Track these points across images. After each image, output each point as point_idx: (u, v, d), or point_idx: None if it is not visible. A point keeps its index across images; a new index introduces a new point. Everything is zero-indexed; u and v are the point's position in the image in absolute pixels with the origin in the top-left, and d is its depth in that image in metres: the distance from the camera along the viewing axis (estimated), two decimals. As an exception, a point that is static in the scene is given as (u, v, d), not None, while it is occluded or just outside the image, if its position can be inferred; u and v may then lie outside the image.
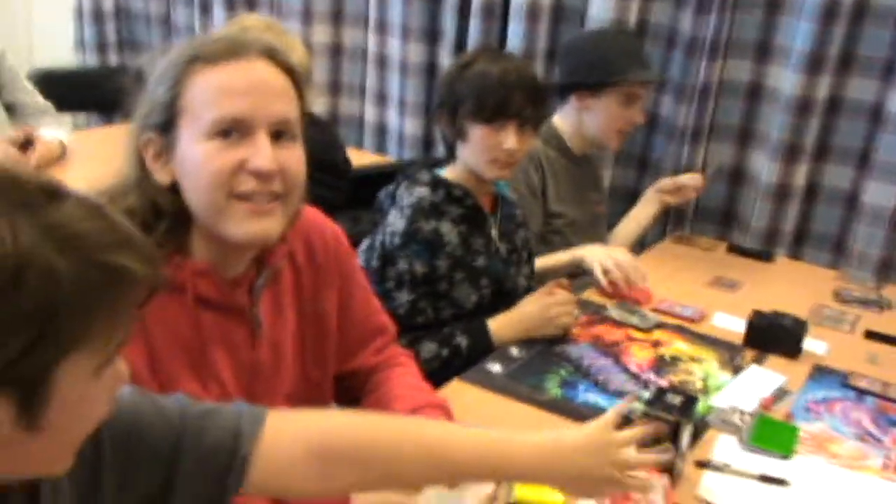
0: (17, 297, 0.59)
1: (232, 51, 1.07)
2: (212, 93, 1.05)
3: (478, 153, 1.77)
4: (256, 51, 1.08)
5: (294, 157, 1.10)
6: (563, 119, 2.30)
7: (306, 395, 1.29)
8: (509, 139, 1.74)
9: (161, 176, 1.09)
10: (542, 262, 2.09)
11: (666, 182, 2.49)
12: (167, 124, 1.07)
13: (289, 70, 1.11)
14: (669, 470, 1.28)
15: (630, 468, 1.06)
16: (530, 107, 1.75)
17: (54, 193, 0.64)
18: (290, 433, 0.91)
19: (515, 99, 1.72)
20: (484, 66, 1.75)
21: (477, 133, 1.75)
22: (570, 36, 2.41)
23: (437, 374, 1.65)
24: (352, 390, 1.40)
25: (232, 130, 1.05)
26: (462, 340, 1.74)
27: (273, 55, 1.10)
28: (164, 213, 1.09)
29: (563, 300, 1.80)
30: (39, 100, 2.77)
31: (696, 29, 2.55)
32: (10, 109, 2.76)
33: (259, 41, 1.10)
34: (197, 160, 1.06)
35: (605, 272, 2.03)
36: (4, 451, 0.65)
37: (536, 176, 2.19)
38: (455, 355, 1.73)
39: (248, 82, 1.06)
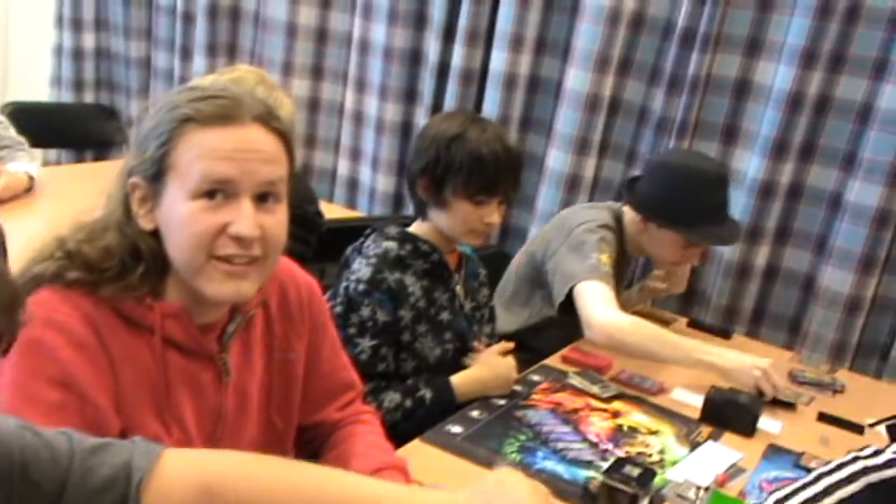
0: None
1: (227, 115, 1.07)
2: (200, 153, 1.06)
3: (458, 224, 1.80)
4: (251, 115, 1.09)
5: (276, 221, 1.11)
6: (629, 218, 2.29)
7: (269, 445, 1.28)
8: (492, 215, 1.78)
9: (144, 221, 1.10)
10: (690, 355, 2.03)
11: (658, 273, 2.54)
12: (155, 176, 1.08)
13: (281, 134, 1.12)
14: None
15: None
16: (514, 185, 1.80)
17: None
18: (185, 471, 0.90)
19: (502, 179, 1.76)
20: (475, 142, 1.74)
21: (460, 207, 1.77)
22: (665, 154, 2.40)
23: (398, 427, 1.67)
24: (313, 442, 1.40)
25: (217, 192, 1.06)
26: (426, 393, 1.76)
27: (267, 120, 1.11)
28: (142, 255, 1.10)
29: (511, 364, 1.86)
30: (12, 133, 2.76)
31: (666, 108, 2.63)
32: (-17, 141, 2.75)
33: (255, 104, 1.11)
34: (180, 218, 1.07)
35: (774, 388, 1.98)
36: None
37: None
38: (418, 407, 1.74)
39: (237, 147, 1.07)
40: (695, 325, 2.52)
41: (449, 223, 1.81)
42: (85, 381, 1.04)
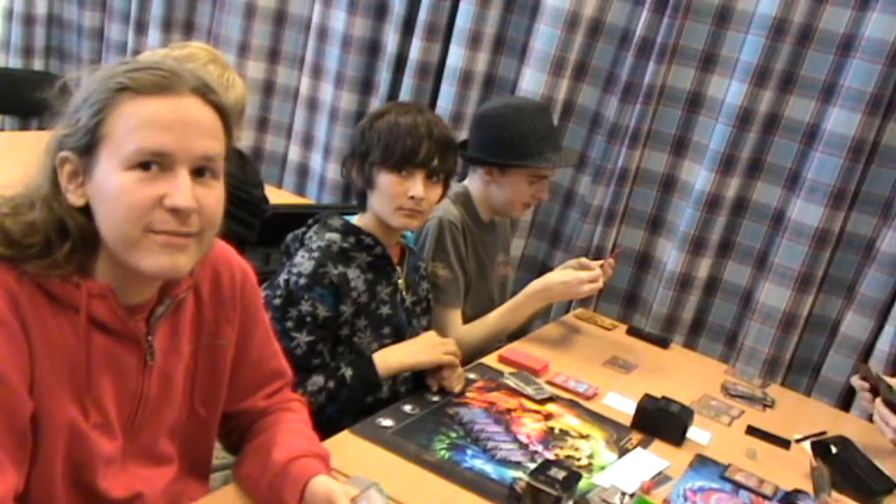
0: None
1: (163, 85, 1.05)
2: (137, 123, 1.03)
3: (385, 201, 1.80)
4: (188, 87, 1.07)
5: (213, 196, 1.09)
6: (472, 184, 2.34)
7: (191, 431, 1.26)
8: (416, 187, 1.77)
9: (73, 197, 1.07)
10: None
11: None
12: (87, 148, 1.05)
13: (219, 108, 1.10)
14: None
15: None
16: (438, 157, 1.79)
17: None
18: None
19: (423, 148, 1.77)
20: (394, 117, 1.80)
21: (384, 180, 1.78)
22: (485, 105, 2.43)
23: (325, 411, 1.69)
24: (237, 431, 1.38)
25: (152, 163, 1.04)
26: (346, 371, 1.75)
27: (205, 93, 1.09)
28: (70, 232, 1.06)
29: (447, 340, 1.90)
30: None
31: (620, 116, 2.65)
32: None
33: (192, 77, 1.09)
34: (114, 190, 1.04)
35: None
36: None
37: (462, 244, 2.22)
38: (340, 386, 1.74)
39: (175, 118, 1.05)
40: (634, 332, 2.54)
41: (379, 203, 1.81)
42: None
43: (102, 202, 1.06)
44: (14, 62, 3.67)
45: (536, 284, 2.25)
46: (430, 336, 1.90)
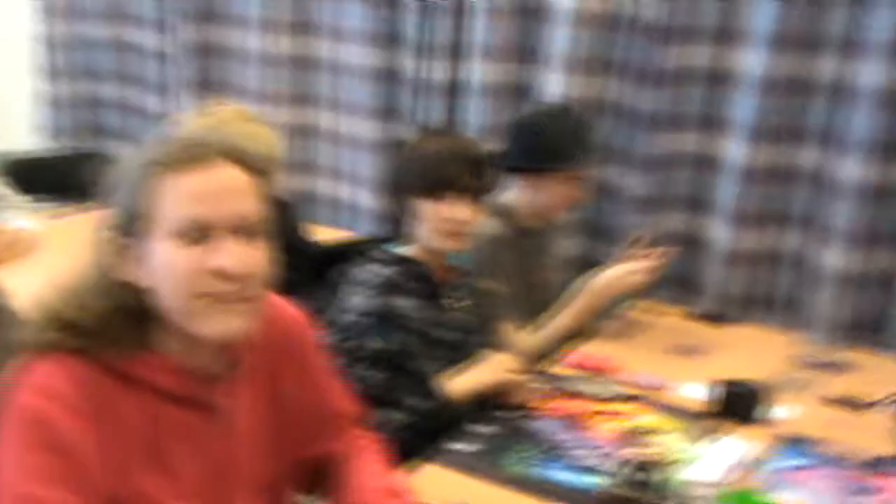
0: None
1: (192, 156, 1.07)
2: (174, 199, 1.06)
3: (430, 228, 1.81)
4: (216, 153, 1.09)
5: (259, 254, 1.10)
6: (511, 194, 2.33)
7: (270, 484, 1.27)
8: (458, 211, 1.78)
9: (128, 277, 1.09)
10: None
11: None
12: (133, 228, 1.08)
13: (251, 167, 1.12)
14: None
15: None
16: (472, 177, 1.80)
17: None
18: None
19: (460, 172, 1.78)
20: (427, 144, 1.84)
21: (426, 209, 1.79)
22: (517, 116, 2.43)
23: (400, 443, 1.64)
24: (312, 474, 1.38)
25: (196, 234, 1.06)
26: (416, 402, 1.76)
27: (234, 156, 1.10)
28: (130, 311, 1.09)
29: (507, 357, 1.89)
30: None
31: (640, 101, 2.63)
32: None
33: (220, 143, 1.11)
34: (163, 264, 1.06)
35: None
36: None
37: (508, 257, 2.22)
38: (412, 417, 1.75)
39: (209, 187, 1.07)
40: (691, 316, 2.51)
41: (424, 231, 1.82)
42: (80, 446, 1.03)
43: (155, 277, 1.08)
44: (50, 144, 3.74)
45: (591, 284, 2.24)
46: (493, 357, 1.89)
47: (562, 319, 2.23)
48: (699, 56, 2.56)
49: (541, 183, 2.26)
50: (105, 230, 1.10)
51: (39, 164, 3.58)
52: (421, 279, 1.82)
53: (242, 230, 1.09)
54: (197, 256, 1.06)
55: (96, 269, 1.11)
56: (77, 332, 1.07)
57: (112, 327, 1.08)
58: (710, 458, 1.67)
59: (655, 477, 1.37)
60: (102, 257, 1.10)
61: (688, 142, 2.63)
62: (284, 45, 3.24)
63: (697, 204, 2.71)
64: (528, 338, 2.19)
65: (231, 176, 1.09)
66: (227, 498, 1.20)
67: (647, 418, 1.83)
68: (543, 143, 2.23)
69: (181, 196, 1.06)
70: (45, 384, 1.04)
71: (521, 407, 1.84)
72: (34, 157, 3.65)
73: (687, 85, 2.59)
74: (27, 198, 2.80)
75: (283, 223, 2.20)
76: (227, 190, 1.08)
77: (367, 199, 3.18)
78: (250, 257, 1.09)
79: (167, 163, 1.07)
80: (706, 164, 2.66)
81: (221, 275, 1.06)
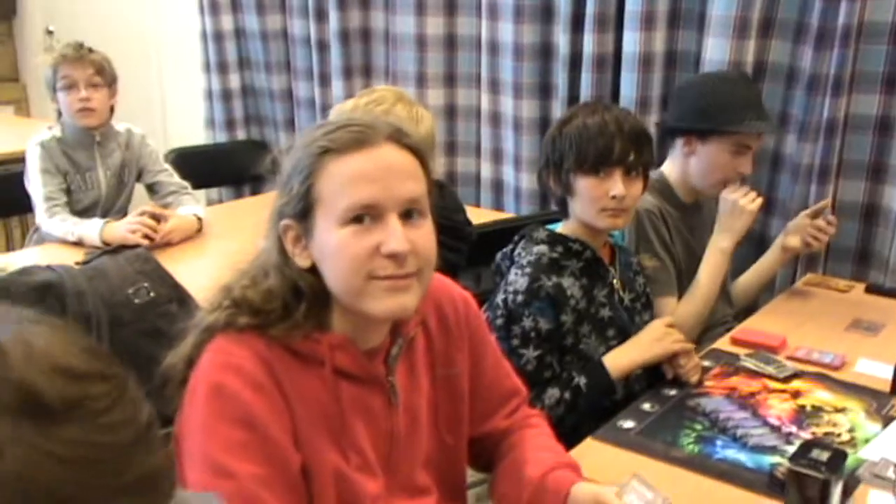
0: None
1: (360, 140, 1.11)
2: (343, 182, 1.10)
3: (587, 205, 1.78)
4: (383, 136, 1.12)
5: (424, 235, 1.13)
6: (671, 166, 2.26)
7: (442, 460, 1.31)
8: (616, 186, 1.74)
9: (300, 260, 1.15)
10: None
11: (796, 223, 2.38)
12: (304, 213, 1.12)
13: (415, 149, 1.15)
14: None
15: None
16: (633, 152, 1.75)
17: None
18: None
19: (616, 145, 1.73)
20: (582, 119, 1.78)
21: (583, 185, 1.77)
22: (684, 79, 2.35)
23: (564, 422, 1.68)
24: (484, 453, 1.41)
25: (364, 216, 1.10)
26: (580, 380, 1.75)
27: (399, 137, 1.13)
28: (303, 292, 1.14)
29: (669, 327, 1.84)
30: (177, 179, 2.94)
31: (816, 66, 2.49)
32: (151, 189, 2.95)
33: (385, 125, 1.14)
34: (334, 247, 1.11)
35: None
36: None
37: (665, 231, 2.17)
38: (577, 396, 1.74)
39: (376, 169, 1.10)
40: (874, 290, 2.37)
41: (581, 208, 1.79)
42: (265, 420, 1.09)
43: (326, 260, 1.12)
44: (220, 136, 3.96)
45: (712, 242, 2.17)
46: (655, 327, 1.85)
47: (704, 280, 2.13)
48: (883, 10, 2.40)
49: (704, 148, 2.17)
50: (276, 215, 1.15)
51: (206, 155, 3.80)
52: (581, 258, 1.81)
53: (409, 211, 1.12)
54: (365, 238, 1.09)
55: (272, 254, 1.16)
56: (255, 311, 1.12)
57: (287, 307, 1.13)
58: (892, 438, 1.57)
59: (838, 457, 1.31)
60: (275, 241, 1.16)
61: (868, 103, 2.46)
62: (437, 25, 3.26)
63: (878, 170, 2.55)
64: (681, 308, 2.12)
65: (397, 158, 1.12)
66: (400, 471, 1.25)
67: (825, 396, 1.75)
68: (711, 104, 2.14)
69: (349, 179, 1.10)
70: (228, 361, 1.11)
71: (688, 385, 1.79)
72: (201, 148, 3.87)
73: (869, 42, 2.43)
74: (195, 186, 3.01)
75: (441, 205, 2.25)
76: (394, 172, 1.11)
77: (525, 179, 3.17)
78: (418, 237, 1.12)
79: (335, 147, 1.11)
80: (886, 126, 2.49)
81: (390, 255, 1.09)
